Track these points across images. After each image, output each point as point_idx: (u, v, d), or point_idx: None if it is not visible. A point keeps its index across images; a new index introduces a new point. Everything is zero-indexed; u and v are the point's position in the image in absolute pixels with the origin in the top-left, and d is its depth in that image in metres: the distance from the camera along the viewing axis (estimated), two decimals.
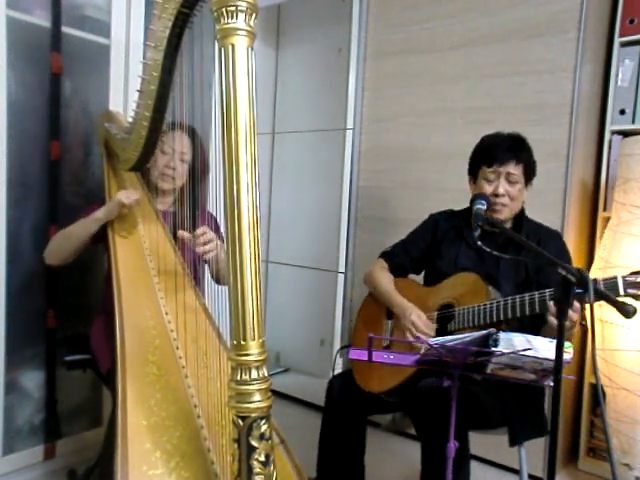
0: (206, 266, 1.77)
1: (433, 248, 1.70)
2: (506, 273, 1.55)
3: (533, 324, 1.50)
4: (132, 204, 1.64)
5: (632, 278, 1.24)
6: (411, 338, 1.51)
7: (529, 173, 1.58)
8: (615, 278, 1.25)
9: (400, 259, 1.74)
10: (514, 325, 1.45)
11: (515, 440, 1.52)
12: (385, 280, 1.69)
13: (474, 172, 1.63)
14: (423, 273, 1.78)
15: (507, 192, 1.54)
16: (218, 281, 1.73)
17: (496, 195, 1.53)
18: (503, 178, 1.54)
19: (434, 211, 1.79)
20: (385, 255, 1.78)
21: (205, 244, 1.50)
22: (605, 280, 1.26)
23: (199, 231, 1.51)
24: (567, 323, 1.22)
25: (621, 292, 1.24)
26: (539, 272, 1.51)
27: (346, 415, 1.63)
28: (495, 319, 1.41)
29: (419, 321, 1.52)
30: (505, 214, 1.56)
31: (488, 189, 1.55)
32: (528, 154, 1.58)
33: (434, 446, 1.32)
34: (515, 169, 1.54)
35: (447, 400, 1.27)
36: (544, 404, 1.61)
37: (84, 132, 2.13)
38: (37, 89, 1.97)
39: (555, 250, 1.53)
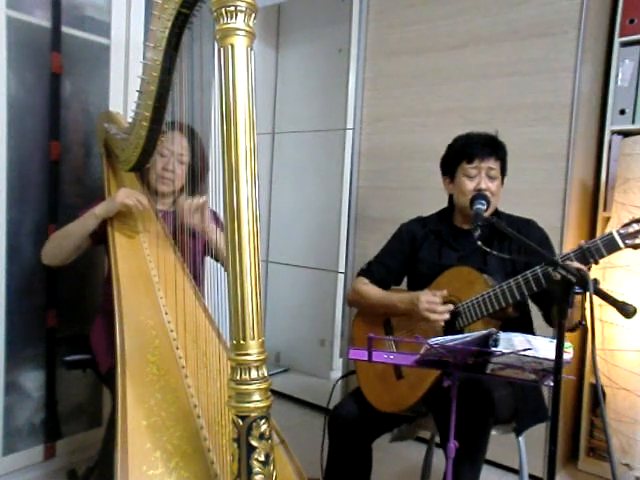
0: (207, 259, 1.77)
1: (412, 257, 1.70)
2: (494, 267, 1.55)
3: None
4: (134, 205, 1.64)
5: (625, 230, 1.26)
6: (433, 317, 1.45)
7: (504, 170, 1.60)
8: (611, 234, 1.27)
9: (381, 274, 1.71)
10: (521, 310, 1.46)
11: (521, 429, 1.53)
12: (376, 291, 1.66)
13: (451, 170, 1.63)
14: (406, 282, 1.76)
15: (488, 188, 1.55)
16: (217, 259, 1.72)
17: (478, 190, 1.54)
18: (484, 173, 1.55)
19: (433, 210, 1.79)
20: (364, 273, 1.74)
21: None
22: (602, 238, 1.28)
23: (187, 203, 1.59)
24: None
25: (621, 246, 1.26)
26: (527, 262, 1.50)
27: (356, 443, 1.59)
28: (504, 303, 1.40)
29: (431, 297, 1.47)
30: (487, 210, 1.56)
31: (470, 185, 1.55)
32: (504, 151, 1.60)
33: (466, 442, 1.31)
34: (495, 164, 1.56)
35: (467, 397, 1.27)
36: (542, 388, 1.61)
37: (84, 132, 2.13)
38: (37, 89, 1.97)
39: (538, 238, 1.55)
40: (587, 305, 1.14)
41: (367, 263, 1.77)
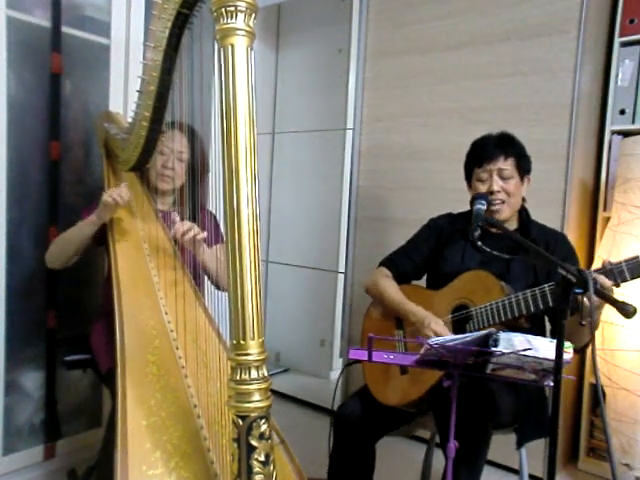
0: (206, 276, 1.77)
1: (437, 252, 1.68)
2: (516, 275, 1.53)
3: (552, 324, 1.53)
4: (118, 201, 1.58)
5: None
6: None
7: (522, 167, 1.57)
8: (637, 258, 1.24)
9: (404, 267, 1.70)
10: (534, 321, 1.45)
11: (522, 441, 1.51)
12: (393, 289, 1.64)
13: (469, 176, 1.64)
14: (425, 278, 1.76)
15: (502, 188, 1.53)
16: (217, 287, 1.73)
17: (491, 193, 1.53)
18: (495, 175, 1.54)
19: (434, 211, 1.79)
20: (386, 263, 1.73)
21: (184, 234, 1.53)
22: (627, 262, 1.25)
23: (177, 226, 1.54)
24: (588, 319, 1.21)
25: None
26: (549, 274, 1.49)
27: (360, 442, 1.59)
28: (517, 313, 1.39)
29: (440, 329, 1.47)
30: (505, 212, 1.55)
31: (482, 189, 1.55)
32: (517, 148, 1.57)
33: (466, 445, 1.30)
34: (505, 164, 1.54)
35: (469, 400, 1.26)
36: (547, 404, 1.61)
37: (84, 132, 2.13)
38: (37, 89, 1.97)
39: (565, 254, 1.52)
40: (587, 305, 1.14)
41: (391, 253, 1.76)
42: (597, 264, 1.34)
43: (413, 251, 1.71)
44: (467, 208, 1.66)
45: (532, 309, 1.37)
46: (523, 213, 1.63)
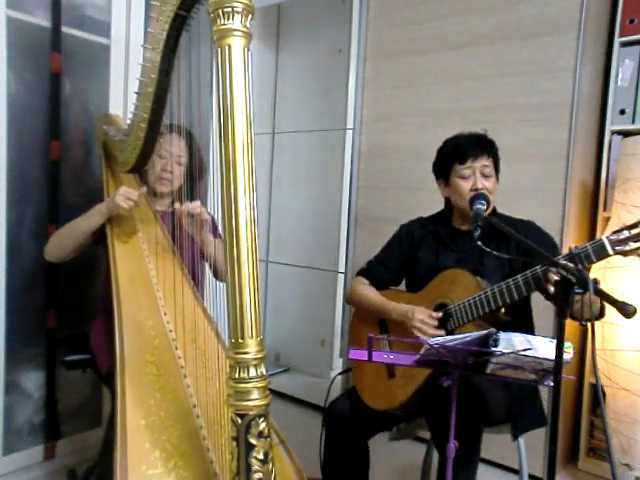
0: (206, 264, 1.78)
1: (411, 257, 1.70)
2: (491, 269, 1.55)
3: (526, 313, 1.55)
4: (129, 208, 1.62)
5: (615, 236, 1.26)
6: (422, 337, 1.47)
7: (497, 167, 1.60)
8: (601, 240, 1.27)
9: (381, 275, 1.71)
10: (512, 312, 1.46)
11: (517, 433, 1.51)
12: (372, 293, 1.66)
13: (445, 174, 1.62)
14: (404, 283, 1.76)
15: (484, 187, 1.54)
16: (216, 276, 1.73)
17: (475, 190, 1.53)
18: (478, 173, 1.54)
19: (433, 211, 1.79)
20: (363, 273, 1.74)
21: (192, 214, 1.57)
22: (592, 244, 1.27)
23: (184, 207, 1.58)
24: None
25: (610, 252, 1.26)
26: (524, 264, 1.49)
27: (351, 440, 1.60)
28: (494, 306, 1.40)
29: (426, 317, 1.49)
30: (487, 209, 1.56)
31: (466, 186, 1.54)
32: (495, 148, 1.59)
33: (460, 444, 1.30)
34: (487, 162, 1.55)
35: (459, 399, 1.27)
36: (540, 394, 1.61)
37: (84, 132, 2.13)
38: (37, 89, 1.97)
39: (537, 239, 1.52)
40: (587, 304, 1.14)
41: (367, 262, 1.77)
42: (597, 264, 1.35)
43: (388, 259, 1.73)
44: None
45: (507, 300, 1.39)
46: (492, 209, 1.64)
